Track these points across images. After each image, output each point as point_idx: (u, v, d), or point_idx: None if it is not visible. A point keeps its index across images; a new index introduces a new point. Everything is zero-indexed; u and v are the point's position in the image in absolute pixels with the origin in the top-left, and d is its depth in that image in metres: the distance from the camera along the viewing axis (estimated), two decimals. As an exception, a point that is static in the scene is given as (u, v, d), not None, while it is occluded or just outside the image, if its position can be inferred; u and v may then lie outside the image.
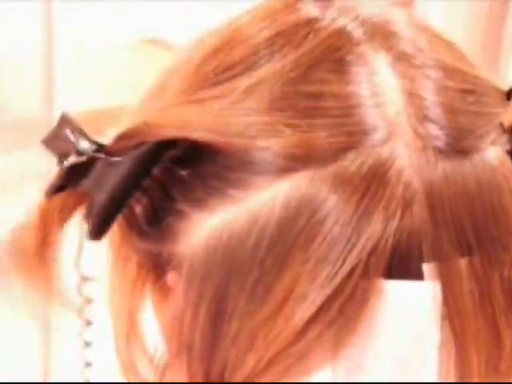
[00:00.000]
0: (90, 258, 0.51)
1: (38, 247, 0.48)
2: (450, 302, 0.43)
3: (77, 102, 1.58)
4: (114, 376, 0.52)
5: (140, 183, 0.46)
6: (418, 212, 0.42)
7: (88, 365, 0.60)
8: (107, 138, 0.47)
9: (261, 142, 0.43)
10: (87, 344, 0.58)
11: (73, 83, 1.54)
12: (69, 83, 1.52)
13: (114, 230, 0.49)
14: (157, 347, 0.51)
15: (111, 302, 0.51)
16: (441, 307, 0.42)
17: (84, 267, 0.51)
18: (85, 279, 0.51)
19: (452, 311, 0.43)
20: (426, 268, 0.42)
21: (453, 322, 0.43)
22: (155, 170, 0.45)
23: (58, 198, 0.47)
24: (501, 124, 0.46)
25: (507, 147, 0.47)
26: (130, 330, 0.50)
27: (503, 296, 0.44)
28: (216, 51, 0.47)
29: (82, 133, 0.46)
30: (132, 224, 0.47)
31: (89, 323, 0.52)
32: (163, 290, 0.49)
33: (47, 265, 0.49)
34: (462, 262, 0.43)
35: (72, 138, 0.46)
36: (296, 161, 0.43)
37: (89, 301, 0.51)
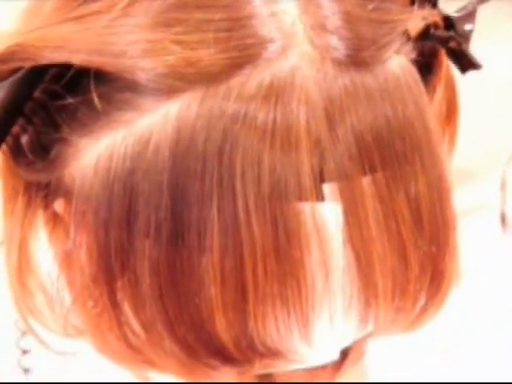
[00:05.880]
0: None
1: None
2: (352, 225, 0.40)
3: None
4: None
5: (21, 109, 0.42)
6: (317, 129, 0.40)
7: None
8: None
9: (146, 62, 0.40)
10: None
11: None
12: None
13: (1, 161, 0.46)
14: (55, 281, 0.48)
15: (3, 233, 0.49)
16: (343, 230, 0.40)
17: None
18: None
19: (355, 234, 0.40)
20: (327, 188, 0.40)
21: (355, 245, 0.41)
22: (37, 93, 0.42)
23: None
24: (405, 32, 0.44)
25: (412, 56, 0.44)
26: (22, 261, 0.48)
27: (410, 215, 0.42)
28: None
29: None
30: (17, 154, 0.45)
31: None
32: (54, 219, 0.46)
33: None
34: (365, 181, 0.40)
35: None
36: (185, 80, 0.40)
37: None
